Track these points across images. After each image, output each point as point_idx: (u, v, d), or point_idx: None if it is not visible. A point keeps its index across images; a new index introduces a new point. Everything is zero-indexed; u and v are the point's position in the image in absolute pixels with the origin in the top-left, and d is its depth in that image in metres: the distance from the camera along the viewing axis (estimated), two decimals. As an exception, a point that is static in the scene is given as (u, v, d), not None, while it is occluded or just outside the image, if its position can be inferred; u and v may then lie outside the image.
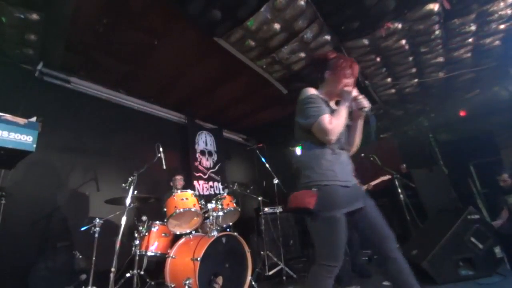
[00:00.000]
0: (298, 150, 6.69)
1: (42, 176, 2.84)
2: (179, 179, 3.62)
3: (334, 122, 1.36)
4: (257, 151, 4.05)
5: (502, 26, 3.17)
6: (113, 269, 2.21)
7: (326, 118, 1.36)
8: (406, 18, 2.90)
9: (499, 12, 2.93)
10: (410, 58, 3.64)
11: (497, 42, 3.46)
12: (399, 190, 4.32)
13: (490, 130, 4.74)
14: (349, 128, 1.54)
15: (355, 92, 1.47)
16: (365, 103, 1.44)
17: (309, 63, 1.70)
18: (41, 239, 2.65)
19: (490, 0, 2.78)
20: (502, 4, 2.82)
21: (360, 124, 1.55)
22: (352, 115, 1.53)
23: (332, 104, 1.57)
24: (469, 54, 3.67)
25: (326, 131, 1.34)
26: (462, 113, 4.99)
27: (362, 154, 4.61)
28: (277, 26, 2.83)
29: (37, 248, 2.58)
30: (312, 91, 1.50)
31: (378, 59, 3.58)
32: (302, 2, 2.58)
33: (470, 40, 3.38)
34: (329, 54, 1.58)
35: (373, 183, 4.38)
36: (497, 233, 2.82)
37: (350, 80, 1.50)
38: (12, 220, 2.48)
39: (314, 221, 1.35)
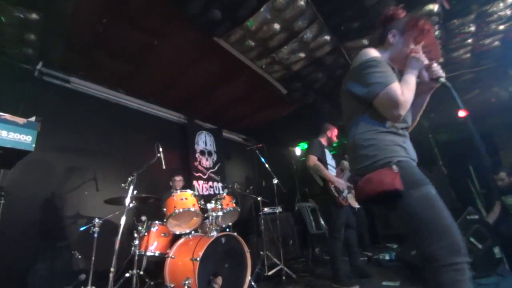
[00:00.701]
0: (297, 150, 6.71)
1: (41, 176, 2.83)
2: (179, 180, 3.62)
3: (406, 93, 1.10)
4: (257, 151, 4.05)
5: (501, 27, 3.18)
6: (112, 269, 2.21)
7: (397, 87, 1.09)
8: (406, 18, 2.90)
9: (499, 13, 2.94)
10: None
11: (496, 43, 3.47)
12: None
13: (490, 130, 4.75)
14: (413, 103, 1.22)
15: (425, 60, 1.21)
16: (441, 72, 1.21)
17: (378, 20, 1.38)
18: (40, 239, 2.65)
19: (489, 1, 2.79)
20: (501, 4, 2.83)
21: (427, 99, 1.33)
22: (419, 88, 1.24)
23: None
24: (468, 55, 3.68)
25: (397, 104, 1.07)
26: (461, 114, 4.99)
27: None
28: (277, 26, 2.83)
29: (36, 248, 2.57)
30: (374, 52, 1.21)
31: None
32: (302, 2, 2.58)
33: (470, 40, 3.38)
34: (399, 11, 1.31)
35: None
36: (496, 233, 2.83)
37: (419, 48, 1.23)
38: (11, 220, 2.47)
39: (406, 206, 1.03)
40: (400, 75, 1.23)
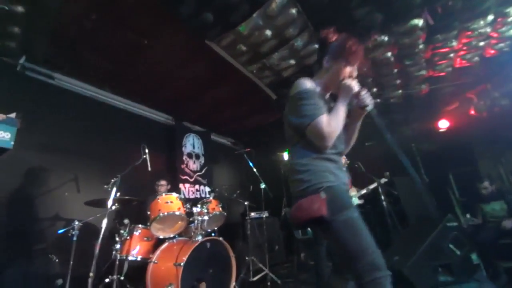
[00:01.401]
0: (285, 155, 6.75)
1: (19, 175, 2.71)
2: (163, 185, 3.51)
3: (333, 124, 1.16)
4: (245, 156, 4.05)
5: (481, 43, 3.36)
6: (91, 274, 2.13)
7: (323, 120, 1.14)
8: (392, 31, 3.01)
9: (479, 30, 3.10)
10: (395, 70, 3.77)
11: (476, 58, 3.65)
12: (382, 197, 4.43)
13: (469, 141, 4.96)
14: (345, 128, 1.32)
15: (357, 87, 1.23)
16: (369, 101, 1.24)
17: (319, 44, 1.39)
18: (15, 242, 2.51)
19: (470, 18, 2.94)
20: (482, 22, 2.99)
21: (358, 125, 1.37)
22: (351, 114, 1.30)
23: (327, 97, 1.37)
24: (450, 69, 3.85)
25: (323, 136, 1.14)
26: (442, 125, 5.20)
27: (348, 161, 4.71)
28: (268, 32, 2.87)
29: (10, 251, 2.44)
30: (308, 83, 1.24)
31: (365, 69, 3.69)
32: (294, 11, 2.63)
33: (452, 55, 3.55)
34: (330, 35, 1.30)
35: (371, 186, 4.49)
36: (474, 240, 2.94)
37: (353, 71, 1.27)
38: (-16, 221, 2.35)
39: (332, 229, 1.11)
40: (335, 100, 1.27)
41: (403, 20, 2.88)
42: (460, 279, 2.64)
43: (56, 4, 2.36)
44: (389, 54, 3.40)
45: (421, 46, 3.28)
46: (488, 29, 3.10)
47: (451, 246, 2.73)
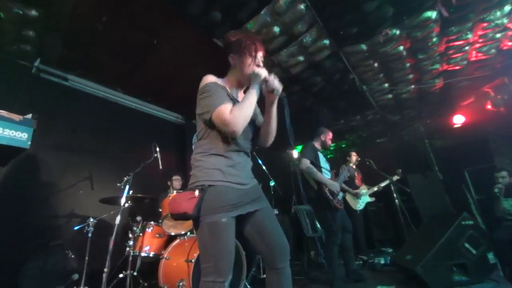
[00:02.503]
0: (295, 153, 6.72)
1: (36, 174, 2.80)
2: (176, 180, 3.59)
3: (236, 111, 1.16)
4: (254, 153, 4.04)
5: (498, 35, 3.23)
6: (106, 270, 2.19)
7: (226, 107, 1.16)
8: (404, 24, 2.93)
9: (495, 21, 2.98)
10: (408, 64, 3.68)
11: (492, 51, 3.52)
12: (395, 195, 4.35)
13: (485, 137, 4.79)
14: (264, 120, 1.40)
15: (264, 73, 1.26)
16: (277, 84, 1.26)
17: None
18: (33, 238, 2.61)
19: (486, 9, 2.83)
20: (498, 13, 2.87)
21: (273, 110, 1.36)
22: (266, 103, 1.34)
23: (240, 94, 1.42)
24: (465, 62, 3.72)
25: (226, 122, 1.14)
26: (456, 120, 5.04)
27: (359, 159, 4.65)
28: (276, 29, 2.85)
29: (28, 247, 2.54)
30: (210, 78, 1.29)
31: (376, 64, 3.61)
32: (302, 6, 2.60)
33: (467, 48, 3.42)
34: (230, 36, 1.36)
35: (382, 184, 4.42)
36: (490, 239, 2.84)
37: (258, 61, 1.32)
38: (4, 218, 2.45)
39: (196, 228, 1.16)
40: None
41: (416, 13, 2.79)
42: (475, 279, 2.57)
43: (69, 8, 2.42)
44: (401, 48, 3.31)
45: (434, 39, 3.18)
46: (505, 20, 2.97)
47: (466, 245, 2.65)
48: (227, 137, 1.24)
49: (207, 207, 1.14)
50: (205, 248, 1.15)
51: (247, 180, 1.29)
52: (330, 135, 3.25)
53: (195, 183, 1.20)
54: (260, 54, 1.34)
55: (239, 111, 1.17)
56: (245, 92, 1.32)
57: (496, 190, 3.28)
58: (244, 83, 1.38)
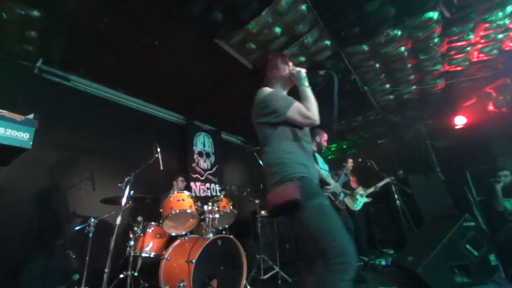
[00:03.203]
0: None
1: (37, 174, 2.81)
2: (182, 181, 3.67)
3: (309, 105, 1.40)
4: (255, 154, 4.04)
5: (500, 36, 3.21)
6: (106, 270, 2.19)
7: (299, 104, 1.40)
8: (406, 25, 2.93)
9: (497, 22, 2.97)
10: (409, 65, 3.67)
11: (494, 52, 3.50)
12: (396, 196, 4.34)
13: (487, 138, 4.77)
14: None
15: (303, 69, 1.53)
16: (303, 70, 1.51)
17: (254, 73, 1.85)
18: (34, 238, 2.62)
19: (488, 10, 2.82)
20: (500, 13, 2.86)
21: (302, 89, 1.55)
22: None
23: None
24: (467, 63, 3.71)
25: (306, 115, 1.38)
26: (458, 121, 5.03)
27: (360, 159, 4.64)
28: (277, 30, 2.85)
29: (30, 247, 2.54)
30: (268, 89, 1.52)
31: (378, 65, 3.61)
32: (303, 7, 2.60)
33: (469, 48, 3.41)
34: (259, 62, 1.68)
35: (379, 184, 4.43)
36: (492, 240, 2.83)
37: (290, 64, 1.60)
38: (5, 218, 2.46)
39: (305, 214, 1.23)
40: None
41: (417, 13, 2.79)
42: (477, 280, 2.55)
43: (71, 9, 2.43)
44: (403, 48, 3.30)
45: (436, 40, 3.17)
46: (507, 21, 2.97)
47: (468, 246, 2.64)
48: (297, 135, 1.43)
49: (309, 192, 1.24)
50: (321, 230, 1.19)
51: (317, 176, 1.45)
52: (325, 136, 3.23)
53: (286, 176, 1.29)
54: (288, 61, 1.64)
55: (311, 105, 1.41)
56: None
57: (496, 185, 3.30)
58: (287, 86, 1.65)
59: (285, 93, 1.65)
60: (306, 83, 1.49)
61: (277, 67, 1.59)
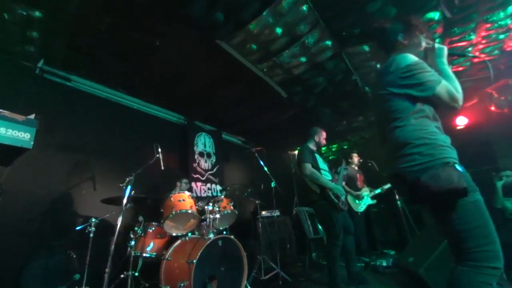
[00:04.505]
0: (296, 153, 6.70)
1: (38, 174, 2.82)
2: (186, 183, 3.72)
3: (459, 88, 1.22)
4: (256, 154, 4.04)
5: (501, 36, 3.21)
6: (107, 270, 2.19)
7: (448, 84, 1.21)
8: (407, 25, 2.92)
9: (499, 22, 2.96)
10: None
11: (496, 52, 3.50)
12: (397, 196, 4.32)
13: (488, 139, 4.76)
14: None
15: (445, 46, 1.34)
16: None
17: (373, 33, 1.61)
18: (35, 238, 2.62)
19: (489, 10, 2.81)
20: (502, 14, 2.85)
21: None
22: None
23: None
24: (468, 63, 3.70)
25: (456, 98, 1.19)
26: (459, 122, 5.01)
27: (361, 160, 4.63)
28: (278, 30, 2.85)
29: (31, 246, 2.55)
30: (414, 56, 1.28)
31: (379, 65, 3.61)
32: (304, 7, 2.60)
33: (470, 49, 3.41)
34: (386, 23, 1.46)
35: (386, 186, 4.41)
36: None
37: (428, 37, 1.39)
38: (7, 218, 2.46)
39: (465, 208, 1.06)
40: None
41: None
42: (479, 281, 2.54)
43: (72, 9, 2.43)
44: (404, 49, 3.30)
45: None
46: (509, 21, 2.96)
47: (469, 247, 2.63)
48: (436, 116, 1.27)
49: (470, 184, 1.09)
50: (477, 229, 1.05)
51: None
52: (323, 134, 3.22)
53: (438, 159, 1.11)
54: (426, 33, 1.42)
55: (459, 86, 1.22)
56: None
57: (497, 182, 3.30)
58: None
59: None
60: (447, 62, 1.31)
61: (417, 36, 1.38)
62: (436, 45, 1.35)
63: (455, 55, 1.42)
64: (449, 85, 1.20)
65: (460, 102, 1.20)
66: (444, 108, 1.25)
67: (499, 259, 1.03)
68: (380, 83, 1.35)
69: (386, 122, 1.32)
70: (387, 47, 1.48)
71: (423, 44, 1.39)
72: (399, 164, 1.19)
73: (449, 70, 1.28)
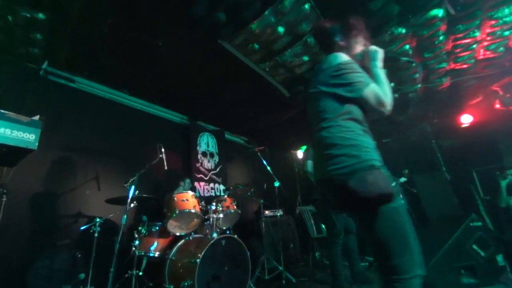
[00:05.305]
0: (299, 153, 6.70)
1: (43, 174, 2.84)
2: (189, 182, 3.74)
3: (388, 92, 1.19)
4: (259, 154, 4.04)
5: (506, 33, 3.17)
6: (112, 269, 2.21)
7: (378, 88, 1.18)
8: (410, 23, 2.90)
9: (504, 18, 2.93)
10: (414, 64, 3.64)
11: (501, 49, 3.45)
12: (401, 196, 4.29)
13: (494, 137, 4.71)
14: None
15: (380, 49, 1.32)
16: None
17: (313, 33, 1.56)
18: (40, 237, 2.65)
19: (494, 6, 2.78)
20: (506, 10, 2.82)
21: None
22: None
23: None
24: (473, 61, 3.66)
25: (383, 103, 1.15)
26: (464, 120, 4.97)
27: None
28: (280, 29, 2.84)
29: (36, 246, 2.58)
30: (346, 56, 1.26)
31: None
32: (306, 6, 2.59)
33: (474, 46, 3.37)
34: (325, 23, 1.44)
35: None
36: (500, 240, 2.79)
37: (366, 40, 1.38)
38: (12, 218, 2.49)
39: (390, 214, 1.03)
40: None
41: (422, 11, 2.76)
42: (484, 281, 2.52)
43: (76, 11, 2.45)
44: (407, 47, 3.27)
45: (441, 38, 3.13)
46: (514, 17, 2.92)
47: (475, 247, 2.61)
48: (364, 119, 1.22)
49: (395, 187, 1.06)
50: (397, 238, 1.02)
51: None
52: None
53: (363, 162, 1.06)
54: (365, 36, 1.42)
55: (389, 91, 1.20)
56: None
57: (502, 181, 3.27)
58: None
59: None
60: (381, 65, 1.28)
61: (354, 38, 1.37)
62: (371, 48, 1.34)
63: (391, 59, 1.40)
64: (378, 89, 1.18)
65: (388, 107, 1.17)
66: (372, 112, 1.22)
67: (419, 266, 1.01)
68: (313, 81, 1.35)
69: (315, 122, 1.30)
70: (325, 48, 1.47)
71: (360, 46, 1.38)
72: (327, 166, 1.14)
73: (382, 73, 1.26)
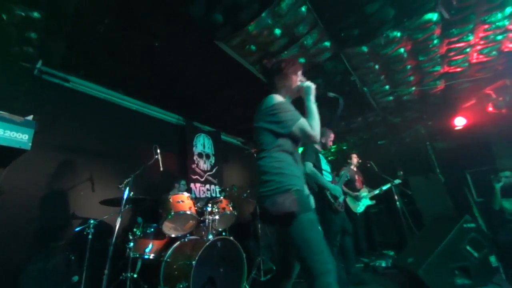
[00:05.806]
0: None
1: (36, 175, 2.80)
2: (184, 184, 3.70)
3: (314, 124, 1.44)
4: (255, 155, 4.04)
5: (499, 37, 3.22)
6: (106, 271, 2.18)
7: (305, 121, 1.44)
8: (405, 26, 2.93)
9: (496, 23, 2.98)
10: (409, 66, 3.68)
11: (493, 53, 3.51)
12: (396, 197, 4.33)
13: (487, 139, 4.78)
14: None
15: (312, 84, 1.56)
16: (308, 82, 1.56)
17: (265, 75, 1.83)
18: (33, 239, 2.61)
19: (487, 11, 2.82)
20: (499, 15, 2.87)
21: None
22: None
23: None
24: (466, 64, 3.72)
25: (310, 134, 1.41)
26: (458, 122, 5.03)
27: (360, 160, 4.63)
28: (277, 31, 2.85)
29: (29, 248, 2.53)
30: (279, 97, 1.53)
31: (377, 66, 3.61)
32: (303, 8, 2.61)
33: (468, 50, 3.42)
34: (268, 62, 1.70)
35: (384, 187, 4.40)
36: (493, 241, 2.83)
37: (299, 74, 1.64)
38: (4, 219, 2.45)
39: (298, 226, 1.29)
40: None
41: (416, 15, 2.80)
42: (478, 282, 2.55)
43: (71, 10, 2.43)
44: (402, 50, 3.31)
45: (435, 41, 3.18)
46: (506, 22, 2.97)
47: (468, 248, 2.64)
48: (294, 148, 1.48)
49: (303, 205, 1.32)
50: (313, 241, 1.26)
51: (308, 191, 1.56)
52: (331, 136, 3.24)
53: (284, 187, 1.34)
54: (300, 72, 1.67)
55: (315, 122, 1.45)
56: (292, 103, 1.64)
57: (496, 184, 3.32)
58: (293, 96, 1.68)
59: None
60: (313, 99, 1.52)
61: (287, 77, 1.62)
62: (305, 84, 1.56)
63: (321, 94, 1.62)
64: (305, 124, 1.43)
65: (315, 138, 1.43)
66: (303, 141, 1.53)
67: (328, 263, 1.21)
68: (255, 118, 1.59)
69: (258, 150, 1.56)
70: (269, 86, 1.72)
71: (295, 84, 1.62)
72: (259, 188, 1.43)
73: (313, 107, 1.50)
